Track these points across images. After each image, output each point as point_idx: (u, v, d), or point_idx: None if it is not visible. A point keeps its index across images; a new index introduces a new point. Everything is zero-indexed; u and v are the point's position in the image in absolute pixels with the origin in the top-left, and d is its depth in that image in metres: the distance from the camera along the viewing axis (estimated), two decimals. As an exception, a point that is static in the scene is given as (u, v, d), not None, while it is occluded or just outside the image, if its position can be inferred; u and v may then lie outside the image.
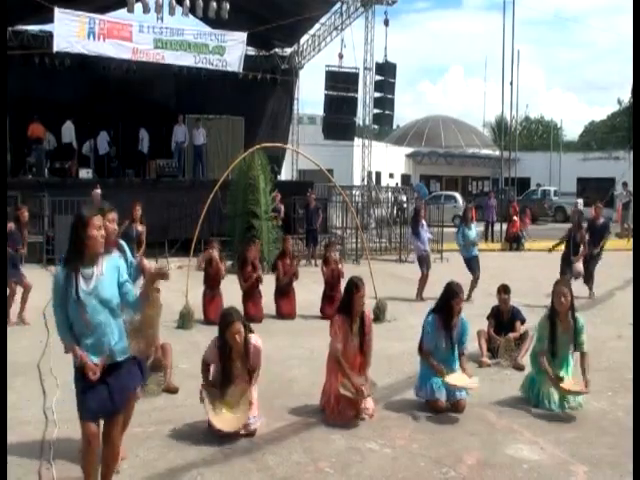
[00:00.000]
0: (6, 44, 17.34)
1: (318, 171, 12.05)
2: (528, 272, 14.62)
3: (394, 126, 39.13)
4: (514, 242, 21.05)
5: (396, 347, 7.85)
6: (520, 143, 41.11)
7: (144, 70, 19.96)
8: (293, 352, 7.91)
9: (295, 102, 25.49)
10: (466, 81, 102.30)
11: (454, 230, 12.76)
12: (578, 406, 5.88)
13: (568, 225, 12.81)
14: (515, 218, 21.40)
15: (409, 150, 42.75)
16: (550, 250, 12.08)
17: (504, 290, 8.00)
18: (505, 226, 22.06)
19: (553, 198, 34.30)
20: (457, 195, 32.60)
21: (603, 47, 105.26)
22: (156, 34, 18.27)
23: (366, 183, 22.53)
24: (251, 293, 9.82)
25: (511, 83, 24.90)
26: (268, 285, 10.15)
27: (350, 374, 5.58)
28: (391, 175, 36.88)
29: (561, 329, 6.03)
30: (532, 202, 33.33)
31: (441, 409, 5.78)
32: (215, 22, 19.89)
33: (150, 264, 4.69)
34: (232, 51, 19.08)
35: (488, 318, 8.02)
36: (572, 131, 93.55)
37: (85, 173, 18.13)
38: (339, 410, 5.57)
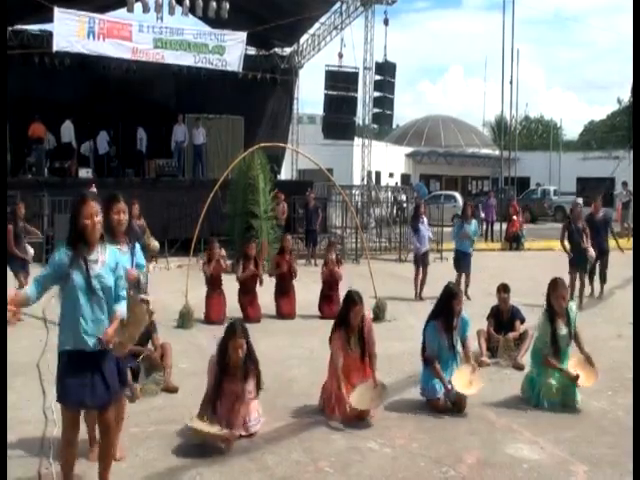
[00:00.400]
0: (6, 44, 17.33)
1: (318, 171, 12.06)
2: (528, 272, 14.61)
3: (394, 126, 39.14)
4: (514, 242, 21.04)
5: (396, 347, 7.84)
6: (520, 143, 41.10)
7: (144, 70, 19.96)
8: (293, 352, 7.91)
9: (295, 102, 25.50)
10: (466, 81, 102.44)
11: (453, 229, 12.73)
12: (576, 404, 5.90)
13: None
14: (515, 218, 21.39)
15: (409, 150, 42.75)
16: (568, 253, 11.60)
17: (504, 289, 8.00)
18: (505, 225, 22.05)
19: (553, 198, 34.28)
20: (457, 195, 32.58)
21: (603, 46, 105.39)
22: (156, 34, 18.27)
23: (366, 183, 22.54)
24: (247, 292, 9.81)
25: (511, 82, 24.93)
26: (268, 285, 10.15)
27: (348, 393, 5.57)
28: (391, 175, 36.88)
29: (560, 326, 6.04)
30: (532, 202, 33.35)
31: (441, 408, 5.78)
32: (215, 22, 19.89)
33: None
34: (232, 51, 19.08)
35: (488, 318, 8.01)
36: (572, 130, 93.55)
37: (85, 173, 18.12)
38: (339, 410, 5.57)
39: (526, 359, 6.81)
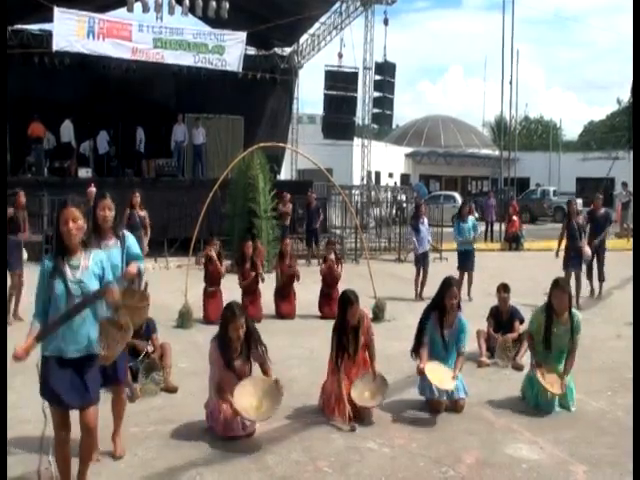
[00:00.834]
0: (6, 44, 17.32)
1: (317, 171, 12.05)
2: (528, 272, 14.61)
3: (393, 126, 39.12)
4: (513, 242, 21.04)
5: (395, 346, 7.84)
6: (519, 143, 41.10)
7: (144, 69, 19.95)
8: (293, 352, 7.91)
9: (294, 101, 25.51)
10: (466, 81, 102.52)
11: (452, 230, 12.74)
12: (571, 407, 5.90)
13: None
14: (514, 218, 21.39)
15: (408, 150, 42.76)
16: (557, 254, 11.68)
17: (504, 289, 8.01)
18: (504, 226, 22.06)
19: (552, 198, 34.28)
20: (456, 195, 32.59)
21: (603, 46, 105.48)
22: (155, 33, 18.27)
23: (365, 183, 22.54)
24: (250, 292, 9.81)
25: (510, 83, 24.93)
26: (268, 284, 10.16)
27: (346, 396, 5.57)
28: (390, 175, 36.89)
29: (557, 323, 6.02)
30: (531, 202, 33.36)
31: (440, 408, 5.78)
32: (214, 21, 19.89)
33: (135, 269, 4.68)
34: (231, 51, 19.08)
35: (487, 319, 8.02)
36: (571, 131, 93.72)
37: (84, 172, 18.12)
38: (339, 410, 5.56)
39: (525, 359, 6.81)
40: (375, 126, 24.85)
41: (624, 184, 25.14)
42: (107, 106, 19.53)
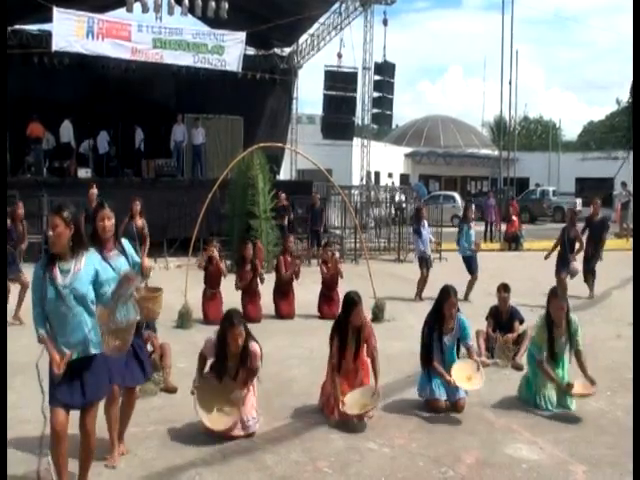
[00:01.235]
0: (6, 44, 17.31)
1: (317, 171, 12.04)
2: (527, 272, 14.61)
3: (393, 126, 39.13)
4: (513, 242, 21.05)
5: (395, 347, 7.84)
6: (519, 143, 41.12)
7: (143, 70, 19.93)
8: (292, 352, 7.91)
9: (294, 102, 25.48)
10: (465, 81, 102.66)
11: (453, 230, 12.75)
12: (571, 407, 5.90)
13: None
14: (514, 218, 21.40)
15: (408, 150, 42.76)
16: (547, 257, 11.76)
17: (504, 289, 8.01)
18: (504, 226, 22.06)
19: (552, 198, 34.31)
20: (456, 195, 32.60)
21: (603, 46, 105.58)
22: (155, 34, 18.25)
23: (365, 183, 22.54)
24: (249, 293, 9.81)
25: (510, 83, 24.93)
26: (268, 284, 10.15)
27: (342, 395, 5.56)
28: (390, 175, 36.87)
29: (558, 334, 6.04)
30: (531, 202, 33.38)
31: (440, 409, 5.78)
32: (214, 22, 19.87)
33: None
34: (231, 51, 19.06)
35: (487, 318, 8.02)
36: (571, 131, 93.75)
37: (84, 173, 18.10)
38: (338, 410, 5.56)
39: (524, 359, 6.81)
40: (374, 126, 24.83)
41: (623, 184, 25.15)
42: (107, 106, 19.51)
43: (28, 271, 10.16)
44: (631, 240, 18.88)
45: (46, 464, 4.33)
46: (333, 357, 5.69)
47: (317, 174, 15.76)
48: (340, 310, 5.96)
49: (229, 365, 5.25)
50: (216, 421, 5.14)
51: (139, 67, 19.93)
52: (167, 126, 19.89)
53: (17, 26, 19.81)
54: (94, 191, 13.47)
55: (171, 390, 6.30)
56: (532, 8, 62.48)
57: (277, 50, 24.26)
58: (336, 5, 21.97)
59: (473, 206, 12.95)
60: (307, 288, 10.74)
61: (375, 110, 22.24)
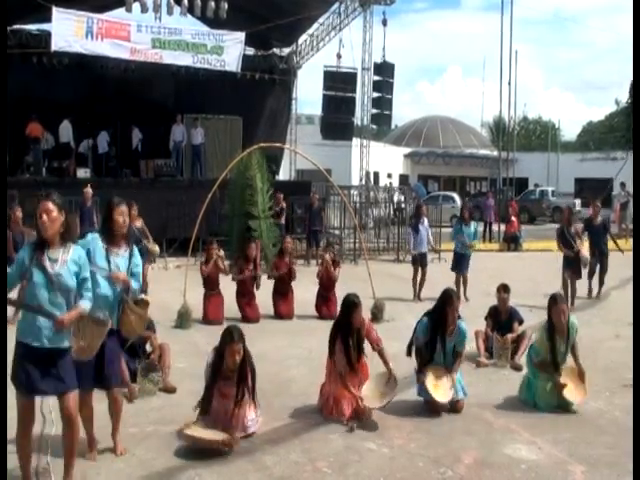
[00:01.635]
0: (6, 44, 17.29)
1: (316, 171, 12.03)
2: (526, 272, 14.61)
3: (392, 126, 39.14)
4: (512, 242, 21.05)
5: (394, 347, 7.79)
6: (518, 143, 41.11)
7: (142, 70, 19.92)
8: (291, 352, 7.91)
9: (293, 102, 25.47)
10: (464, 81, 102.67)
11: (452, 230, 12.73)
12: (571, 407, 5.91)
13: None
14: (513, 218, 21.39)
15: (407, 150, 42.77)
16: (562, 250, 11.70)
17: (504, 289, 8.01)
18: (503, 226, 22.05)
19: (551, 198, 34.31)
20: (455, 195, 32.61)
21: (602, 47, 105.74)
22: (154, 34, 18.23)
23: (364, 183, 22.53)
24: (245, 293, 9.81)
25: (509, 83, 24.90)
26: (267, 285, 10.15)
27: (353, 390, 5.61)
28: (389, 175, 36.88)
29: (560, 341, 6.04)
30: (530, 202, 33.38)
31: (439, 409, 5.78)
32: (213, 22, 19.86)
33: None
34: (230, 51, 19.05)
35: (486, 318, 8.02)
36: (570, 131, 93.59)
37: (83, 172, 18.08)
38: (336, 411, 5.57)
39: (524, 360, 6.81)
40: (374, 126, 24.82)
41: (622, 184, 25.14)
42: (106, 106, 19.49)
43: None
44: (630, 241, 18.88)
45: (45, 464, 4.33)
46: (341, 360, 5.69)
47: (316, 174, 15.75)
48: (339, 313, 5.95)
49: (223, 383, 5.18)
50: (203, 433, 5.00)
51: (138, 67, 19.92)
52: (166, 126, 19.87)
53: (16, 26, 19.78)
54: (89, 190, 13.53)
55: (170, 390, 6.30)
56: (531, 8, 62.72)
57: (276, 50, 24.25)
58: (335, 5, 21.97)
59: (470, 205, 12.97)
60: (306, 288, 10.74)
61: (374, 110, 22.22)
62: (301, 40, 24.16)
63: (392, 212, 21.81)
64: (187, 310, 9.29)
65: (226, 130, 21.47)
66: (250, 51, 22.48)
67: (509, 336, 7.62)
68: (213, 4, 19.23)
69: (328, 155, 25.81)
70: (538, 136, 60.69)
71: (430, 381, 5.80)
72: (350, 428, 5.36)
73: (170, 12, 19.26)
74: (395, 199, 22.92)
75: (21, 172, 18.34)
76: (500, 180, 28.39)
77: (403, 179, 38.89)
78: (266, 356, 6.82)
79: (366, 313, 6.25)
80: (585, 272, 11.41)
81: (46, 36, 18.72)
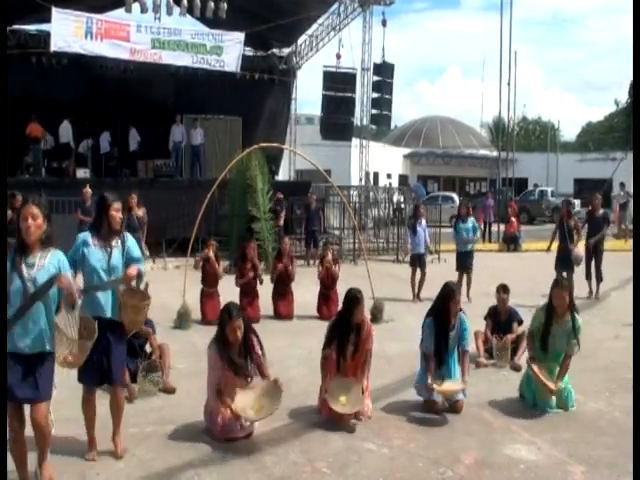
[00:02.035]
0: (6, 44, 17.28)
1: (316, 171, 12.03)
2: (526, 273, 14.62)
3: (392, 126, 39.15)
4: (511, 243, 21.05)
5: (394, 347, 7.85)
6: (518, 144, 41.15)
7: (142, 70, 19.91)
8: (291, 352, 7.91)
9: (293, 102, 25.47)
10: (464, 81, 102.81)
11: (451, 231, 12.76)
12: (571, 407, 5.91)
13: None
14: (513, 219, 21.39)
15: (407, 150, 42.80)
16: (548, 249, 12.05)
17: (503, 289, 8.01)
18: (503, 226, 22.06)
19: (550, 199, 34.32)
20: (455, 196, 32.62)
21: (601, 47, 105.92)
22: (154, 34, 18.23)
23: (364, 183, 22.54)
24: (248, 292, 9.81)
25: (509, 83, 24.92)
26: (267, 285, 10.15)
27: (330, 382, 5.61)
28: (389, 175, 36.90)
29: (556, 324, 6.03)
30: (529, 202, 33.39)
31: (439, 409, 5.78)
32: (213, 22, 19.86)
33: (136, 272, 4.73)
34: (230, 51, 19.06)
35: (486, 318, 8.02)
36: (569, 132, 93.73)
37: (82, 173, 18.07)
38: (326, 407, 5.55)
39: (523, 360, 6.81)
40: (373, 127, 24.84)
41: (622, 185, 25.15)
42: (105, 106, 19.48)
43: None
44: (630, 241, 18.89)
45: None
46: (331, 355, 5.68)
47: (316, 174, 15.75)
48: (341, 307, 5.94)
49: (237, 360, 5.24)
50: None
51: (138, 67, 19.91)
52: (166, 126, 19.86)
53: (15, 26, 19.76)
54: (88, 190, 13.61)
55: (170, 390, 6.30)
56: (531, 9, 62.84)
57: (276, 50, 24.25)
58: (335, 6, 21.98)
59: (469, 205, 13.00)
60: (305, 289, 10.74)
61: (374, 111, 22.23)
62: (301, 40, 24.17)
63: (392, 212, 21.83)
64: (186, 310, 9.29)
65: (226, 130, 21.46)
66: (250, 51, 22.49)
67: (509, 336, 7.62)
68: (212, 4, 19.24)
69: (328, 155, 25.79)
70: (538, 136, 60.76)
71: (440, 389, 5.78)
72: (350, 429, 5.35)
73: (169, 12, 19.28)
74: (394, 199, 22.92)
75: (21, 172, 18.33)
76: (499, 180, 28.42)
77: (403, 179, 38.90)
78: (266, 356, 6.79)
79: (366, 313, 6.23)
80: (577, 269, 11.44)
81: (45, 36, 18.71)
